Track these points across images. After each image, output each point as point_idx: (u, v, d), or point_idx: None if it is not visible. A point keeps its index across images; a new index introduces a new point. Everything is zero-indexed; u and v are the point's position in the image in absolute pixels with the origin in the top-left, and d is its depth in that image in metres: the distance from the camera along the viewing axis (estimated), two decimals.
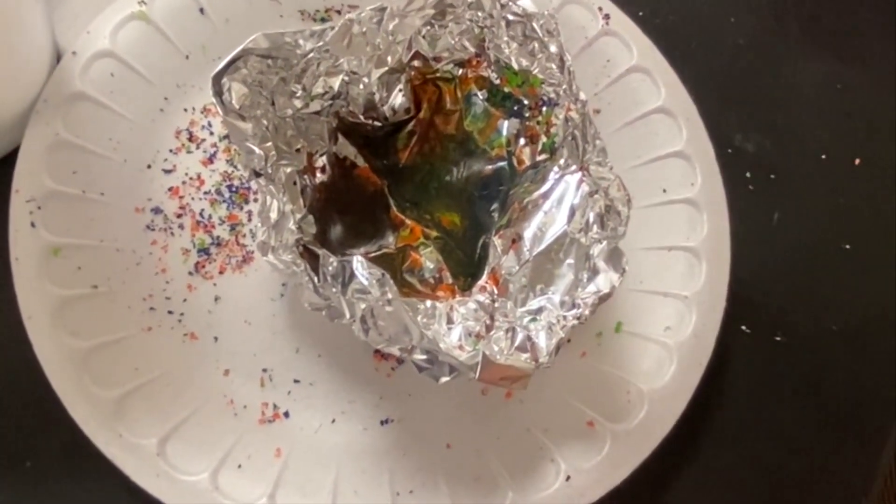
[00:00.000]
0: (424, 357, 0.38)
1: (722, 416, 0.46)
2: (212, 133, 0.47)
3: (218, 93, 0.39)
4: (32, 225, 0.42)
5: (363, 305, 0.37)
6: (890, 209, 0.50)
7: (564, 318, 0.39)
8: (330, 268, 0.37)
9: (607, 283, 0.39)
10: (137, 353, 0.43)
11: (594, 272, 0.39)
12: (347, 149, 0.45)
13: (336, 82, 0.43)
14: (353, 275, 0.36)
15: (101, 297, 0.43)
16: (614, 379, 0.44)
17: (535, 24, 0.43)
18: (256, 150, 0.39)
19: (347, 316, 0.38)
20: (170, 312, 0.44)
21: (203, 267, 0.45)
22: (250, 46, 0.40)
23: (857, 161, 0.51)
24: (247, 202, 0.46)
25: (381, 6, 0.42)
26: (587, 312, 0.38)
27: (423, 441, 0.43)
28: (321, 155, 0.44)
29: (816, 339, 0.48)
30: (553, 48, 0.42)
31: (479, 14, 0.43)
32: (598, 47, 0.49)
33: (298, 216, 0.41)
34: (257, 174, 0.40)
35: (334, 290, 0.37)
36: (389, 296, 0.36)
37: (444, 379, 0.38)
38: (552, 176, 0.43)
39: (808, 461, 0.46)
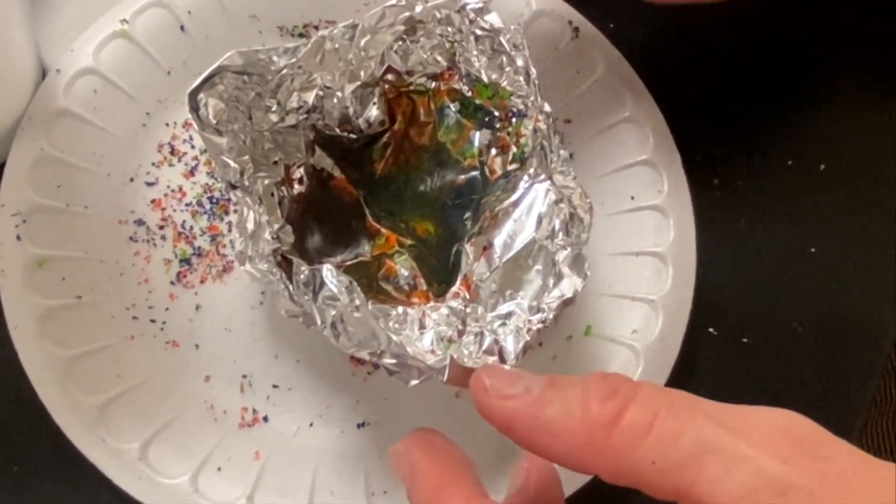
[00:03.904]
0: (394, 361, 0.39)
1: None
2: (193, 146, 0.48)
3: (194, 108, 0.40)
4: (18, 238, 0.44)
5: (333, 312, 0.38)
6: (854, 213, 0.51)
7: (530, 321, 0.40)
8: (302, 276, 0.38)
9: (571, 288, 0.40)
10: (120, 360, 0.44)
11: (559, 278, 0.40)
12: (324, 160, 0.47)
13: (310, 97, 0.44)
14: (322, 283, 0.38)
15: (86, 307, 0.44)
16: None
17: (502, 39, 0.44)
18: (231, 163, 0.41)
19: (319, 322, 0.39)
20: (152, 321, 0.46)
21: (185, 277, 0.46)
22: (225, 63, 0.41)
23: (822, 167, 0.52)
24: (227, 213, 0.48)
25: (352, 23, 0.43)
26: (551, 316, 0.39)
27: None
28: (298, 167, 0.45)
29: (782, 340, 0.49)
30: (520, 62, 0.43)
31: (449, 29, 0.45)
32: (568, 59, 0.50)
33: (276, 226, 0.42)
34: (233, 186, 0.41)
35: (307, 297, 0.39)
36: (357, 302, 0.37)
37: (414, 382, 0.39)
38: (522, 185, 0.44)
39: None
